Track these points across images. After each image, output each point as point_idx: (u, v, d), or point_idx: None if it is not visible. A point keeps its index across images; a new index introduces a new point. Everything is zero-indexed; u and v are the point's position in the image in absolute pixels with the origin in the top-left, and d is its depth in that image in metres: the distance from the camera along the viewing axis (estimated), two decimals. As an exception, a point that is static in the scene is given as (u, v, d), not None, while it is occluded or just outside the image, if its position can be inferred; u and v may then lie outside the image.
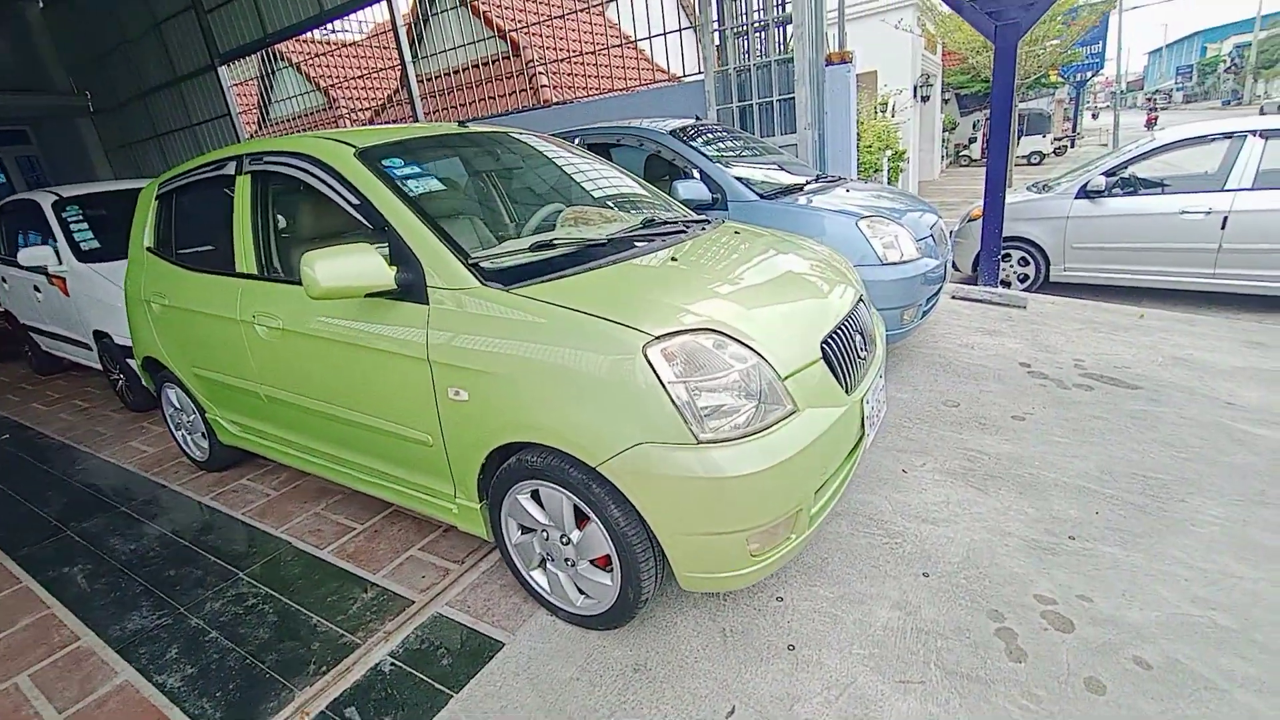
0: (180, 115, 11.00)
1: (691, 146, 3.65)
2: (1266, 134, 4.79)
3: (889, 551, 2.10)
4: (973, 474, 2.55)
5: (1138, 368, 3.54)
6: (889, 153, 11.04)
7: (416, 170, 2.04)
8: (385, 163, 2.02)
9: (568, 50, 8.49)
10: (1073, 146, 23.87)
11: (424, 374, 1.77)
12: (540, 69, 8.20)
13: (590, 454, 1.51)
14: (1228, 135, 4.97)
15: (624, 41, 6.86)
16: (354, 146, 2.05)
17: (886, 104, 12.41)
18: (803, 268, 2.10)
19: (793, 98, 5.00)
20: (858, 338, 1.91)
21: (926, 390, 3.35)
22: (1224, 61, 48.90)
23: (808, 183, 3.83)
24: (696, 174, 3.56)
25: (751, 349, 1.54)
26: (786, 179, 3.87)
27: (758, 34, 5.18)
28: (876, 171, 10.52)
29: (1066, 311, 4.63)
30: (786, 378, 1.57)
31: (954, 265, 6.51)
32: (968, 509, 2.32)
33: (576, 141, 4.06)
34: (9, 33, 11.98)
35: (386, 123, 10.06)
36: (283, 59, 11.29)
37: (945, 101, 19.79)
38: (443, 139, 2.35)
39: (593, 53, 7.84)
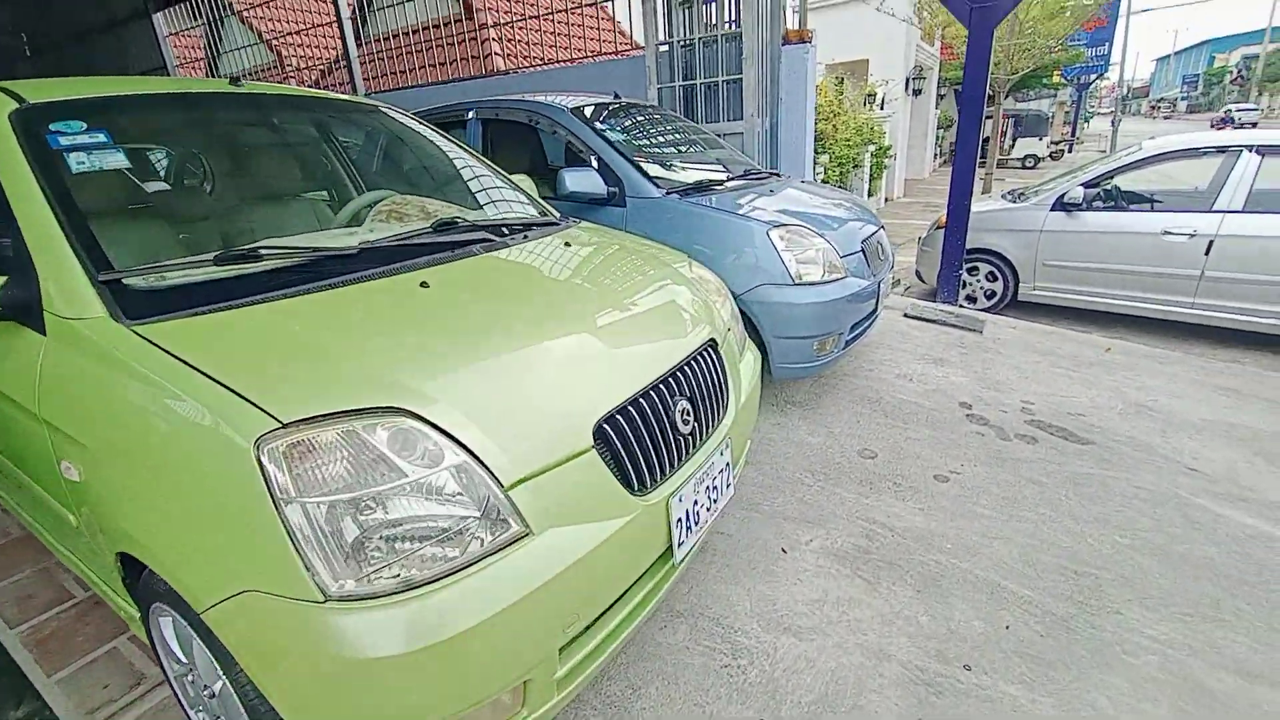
0: (118, 65, 10.20)
1: (592, 128, 3.08)
2: (1264, 150, 4.28)
3: (725, 680, 1.60)
4: (867, 558, 2.06)
5: (1094, 416, 3.05)
6: (872, 148, 10.46)
7: (101, 140, 1.48)
8: (56, 127, 1.45)
9: (523, 14, 7.80)
10: (1070, 151, 23.34)
11: (42, 435, 1.23)
12: (493, 33, 7.53)
13: (192, 593, 0.99)
14: (1221, 149, 4.46)
15: (569, 7, 6.20)
16: (19, 102, 1.48)
17: (875, 95, 11.79)
18: (627, 301, 1.56)
19: (741, 79, 4.42)
20: (681, 405, 1.39)
21: (844, 435, 2.84)
22: (1231, 72, 48.34)
23: (730, 179, 3.28)
24: (595, 161, 3.01)
25: (458, 442, 1.01)
26: (704, 174, 3.32)
27: (706, 4, 4.58)
28: (857, 168, 9.95)
29: (1027, 338, 4.14)
30: (515, 485, 1.04)
31: (919, 276, 6.01)
32: (846, 614, 1.82)
33: (471, 116, 3.48)
34: (-70, -39, 11.01)
35: (330, 86, 9.34)
36: (227, 7, 10.47)
37: (941, 97, 19.15)
38: (182, 99, 1.78)
39: (538, 17, 7.17)
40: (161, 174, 1.75)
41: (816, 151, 8.42)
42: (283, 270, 1.35)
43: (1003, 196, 5.75)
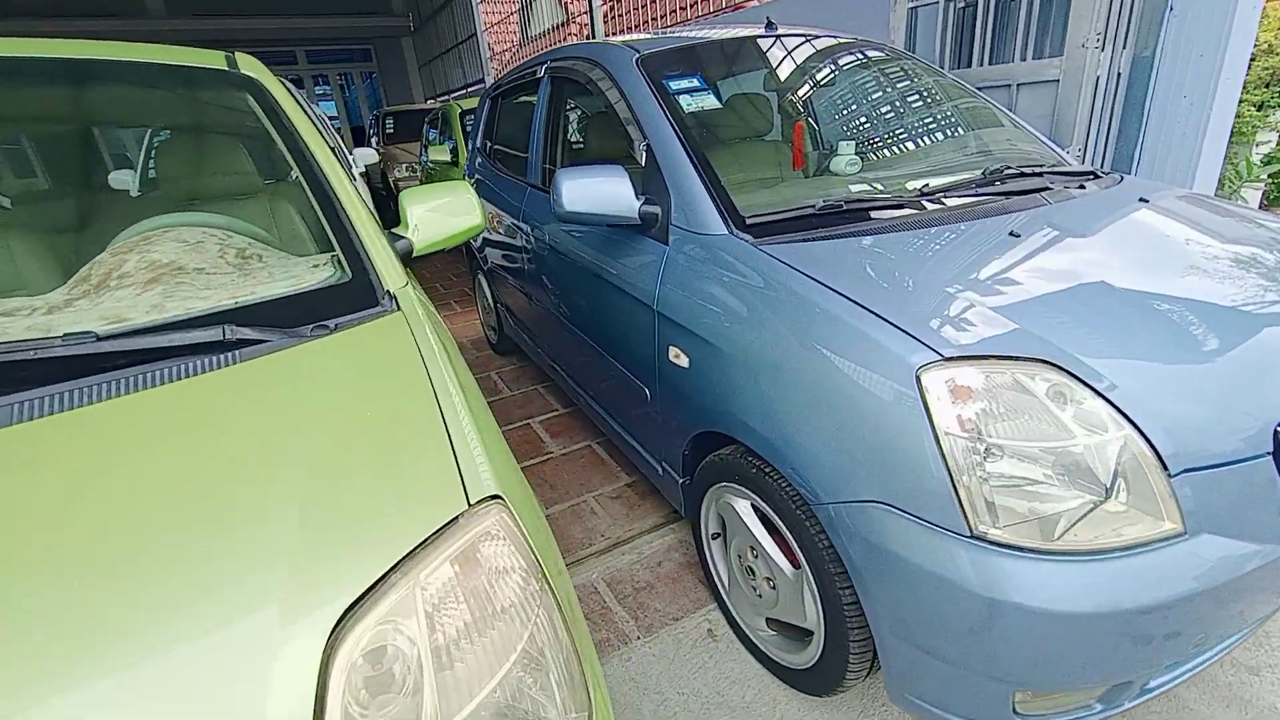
0: (450, 35, 11.59)
1: (653, 91, 1.66)
2: None
3: None
4: None
5: None
6: None
7: None
8: None
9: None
10: None
11: None
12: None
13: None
14: None
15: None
16: None
17: None
18: None
19: (1075, -22, 2.29)
20: None
21: None
22: None
23: (937, 191, 1.51)
24: (643, 153, 1.61)
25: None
26: (887, 177, 1.63)
27: None
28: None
29: None
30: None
31: None
32: None
33: (543, 74, 2.35)
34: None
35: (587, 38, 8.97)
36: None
37: None
38: None
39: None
40: None
41: (1270, 105, 4.93)
42: None
43: None
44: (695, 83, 1.73)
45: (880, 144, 1.99)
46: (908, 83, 2.15)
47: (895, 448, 0.99)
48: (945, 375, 0.96)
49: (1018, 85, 2.50)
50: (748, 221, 1.38)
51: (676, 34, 2.05)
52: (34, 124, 1.61)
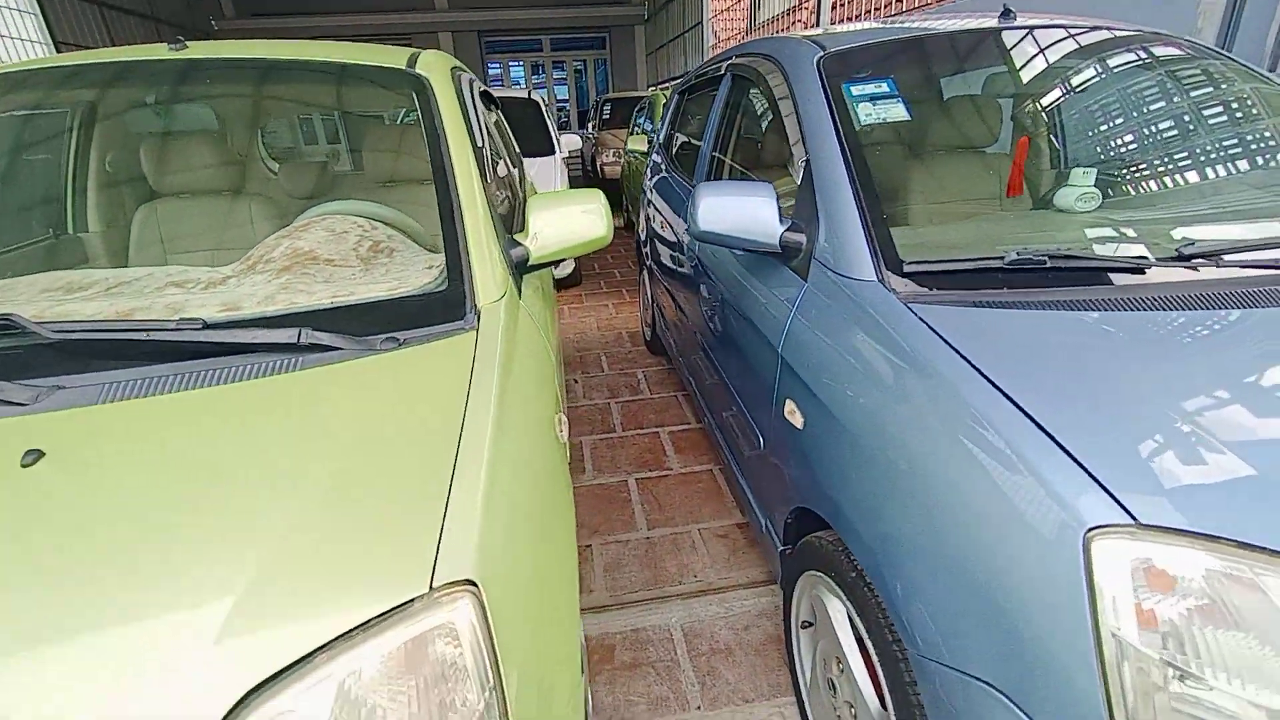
0: (678, 23, 11.77)
1: (834, 96, 1.41)
2: None
3: None
4: None
5: None
6: None
7: None
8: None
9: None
10: None
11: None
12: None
13: None
14: None
15: None
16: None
17: None
18: None
19: None
20: None
21: None
22: None
23: (1189, 252, 1.07)
24: (801, 169, 1.40)
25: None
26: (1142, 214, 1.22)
27: None
28: None
29: None
30: None
31: None
32: None
33: (724, 71, 2.19)
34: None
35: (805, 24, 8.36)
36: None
37: None
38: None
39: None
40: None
41: None
42: None
43: None
44: (884, 88, 1.44)
45: (1140, 172, 1.52)
46: (1209, 90, 1.61)
47: (1029, 626, 0.70)
48: (1135, 551, 0.65)
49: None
50: (905, 268, 1.11)
51: (895, 24, 1.75)
52: (283, 111, 1.88)
